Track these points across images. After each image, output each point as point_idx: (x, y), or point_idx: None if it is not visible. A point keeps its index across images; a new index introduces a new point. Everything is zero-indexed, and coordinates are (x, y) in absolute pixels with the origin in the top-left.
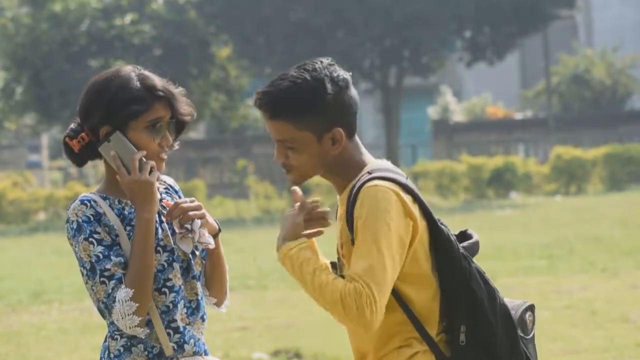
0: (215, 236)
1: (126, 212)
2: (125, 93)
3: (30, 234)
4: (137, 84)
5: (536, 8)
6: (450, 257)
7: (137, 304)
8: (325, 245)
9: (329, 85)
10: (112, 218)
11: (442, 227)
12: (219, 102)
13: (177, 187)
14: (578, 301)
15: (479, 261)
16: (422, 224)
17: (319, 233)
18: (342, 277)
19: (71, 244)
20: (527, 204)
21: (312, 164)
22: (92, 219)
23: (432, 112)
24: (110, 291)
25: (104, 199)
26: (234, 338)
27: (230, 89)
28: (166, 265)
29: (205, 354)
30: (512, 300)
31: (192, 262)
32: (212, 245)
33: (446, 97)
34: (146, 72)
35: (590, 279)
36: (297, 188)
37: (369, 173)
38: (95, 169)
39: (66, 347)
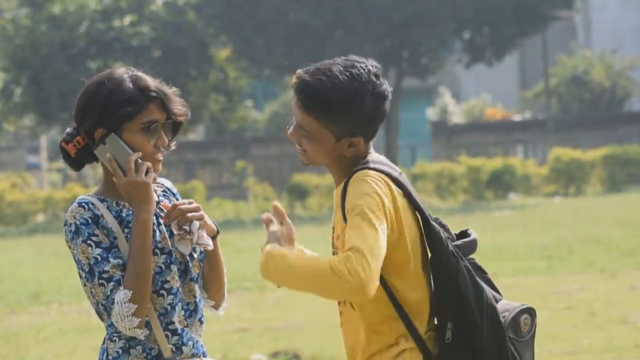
0: (213, 238)
1: (124, 214)
2: (118, 95)
3: (29, 235)
4: (130, 85)
5: (535, 9)
6: (439, 254)
7: (136, 306)
8: (326, 245)
9: (367, 101)
10: (110, 220)
11: (433, 224)
12: (218, 103)
13: (174, 190)
14: (577, 302)
15: (478, 262)
16: (409, 218)
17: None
18: None
19: (69, 247)
20: (526, 205)
21: (323, 155)
22: (90, 221)
23: (431, 113)
24: (109, 293)
25: (102, 201)
26: (233, 339)
27: (229, 90)
28: (164, 268)
29: (204, 355)
30: (510, 302)
31: (190, 264)
32: (210, 247)
33: (445, 98)
34: (139, 73)
35: (590, 279)
36: (278, 205)
37: (362, 164)
38: (94, 170)
39: (65, 348)
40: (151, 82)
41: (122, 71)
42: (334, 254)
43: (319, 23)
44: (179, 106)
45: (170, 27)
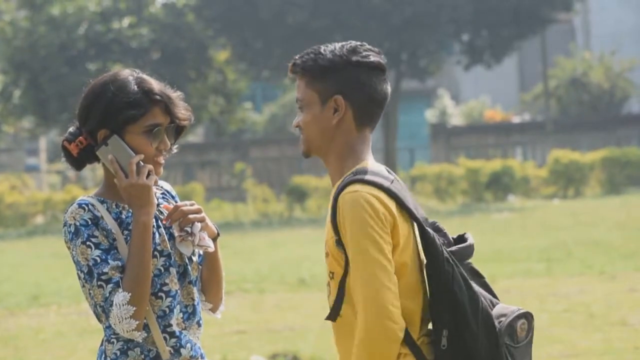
0: (214, 240)
1: (124, 216)
2: (122, 97)
3: (28, 237)
4: (135, 87)
5: (534, 11)
6: (434, 261)
7: (134, 308)
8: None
9: (350, 58)
10: (109, 222)
11: (429, 230)
12: (217, 105)
13: (173, 193)
14: (576, 304)
15: (477, 264)
16: (407, 229)
17: None
18: (330, 273)
19: (68, 248)
20: (525, 207)
21: (314, 128)
22: (89, 222)
23: (430, 115)
24: (107, 295)
25: (102, 202)
26: (232, 341)
27: (228, 92)
28: (163, 270)
29: (202, 358)
30: (507, 306)
31: (189, 267)
32: (211, 249)
33: (444, 101)
34: (144, 76)
35: (588, 282)
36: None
37: (354, 174)
38: (94, 172)
39: (64, 350)
40: (156, 85)
41: (128, 73)
42: (326, 254)
43: (318, 25)
44: (182, 110)
45: (169, 29)
